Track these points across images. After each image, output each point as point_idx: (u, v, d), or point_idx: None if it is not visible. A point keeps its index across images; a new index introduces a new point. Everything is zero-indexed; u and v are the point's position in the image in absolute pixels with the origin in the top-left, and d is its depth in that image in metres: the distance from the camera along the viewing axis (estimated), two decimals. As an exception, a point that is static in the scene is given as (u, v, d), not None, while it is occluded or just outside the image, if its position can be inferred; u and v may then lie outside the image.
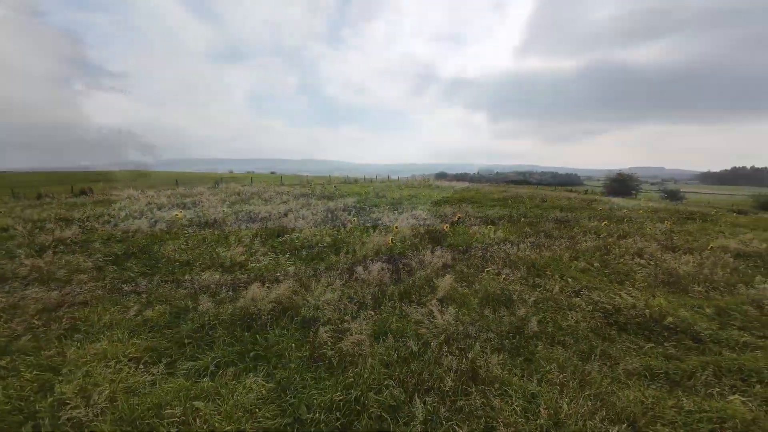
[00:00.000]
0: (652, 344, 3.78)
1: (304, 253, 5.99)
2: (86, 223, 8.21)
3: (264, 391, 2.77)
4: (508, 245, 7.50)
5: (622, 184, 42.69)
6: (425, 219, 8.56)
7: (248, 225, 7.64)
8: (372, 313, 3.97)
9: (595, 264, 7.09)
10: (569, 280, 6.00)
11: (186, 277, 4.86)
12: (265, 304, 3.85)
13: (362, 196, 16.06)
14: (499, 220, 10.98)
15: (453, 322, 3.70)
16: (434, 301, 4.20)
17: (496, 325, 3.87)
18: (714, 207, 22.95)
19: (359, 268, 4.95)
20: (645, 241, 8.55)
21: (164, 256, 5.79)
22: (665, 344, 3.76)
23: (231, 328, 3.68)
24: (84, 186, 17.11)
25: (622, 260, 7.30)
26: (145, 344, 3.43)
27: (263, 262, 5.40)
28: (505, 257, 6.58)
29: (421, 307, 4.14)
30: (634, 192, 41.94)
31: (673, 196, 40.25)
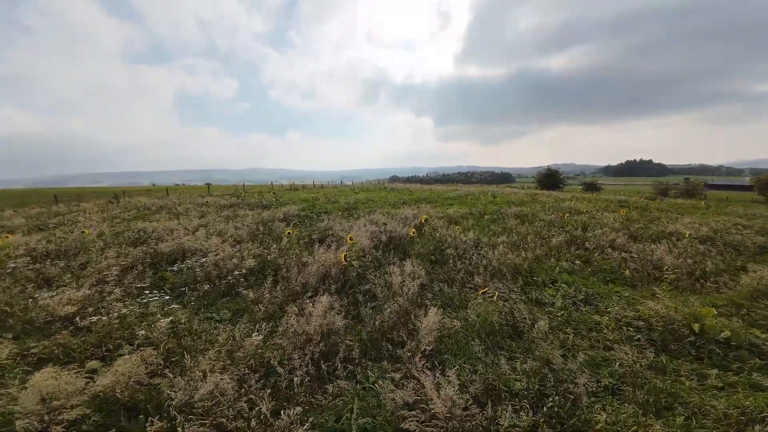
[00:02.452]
0: (717, 369, 2.74)
1: (206, 287, 3.92)
2: None
3: None
4: (484, 247, 6.37)
5: (551, 178, 46.57)
6: (386, 224, 7.02)
7: (128, 249, 5.16)
8: (303, 408, 2.20)
9: (577, 262, 6.33)
10: (564, 286, 5.00)
11: None
12: (67, 409, 1.85)
13: (309, 203, 13.97)
14: (462, 219, 10.01)
15: (459, 398, 2.16)
16: (419, 359, 2.62)
17: (521, 387, 2.45)
18: (629, 195, 25.81)
19: (293, 309, 3.15)
20: (611, 232, 8.20)
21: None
22: (730, 368, 2.76)
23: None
24: None
25: (599, 255, 6.67)
26: None
27: (121, 311, 3.18)
28: (486, 264, 5.36)
29: (401, 373, 2.53)
30: (561, 185, 46.13)
31: (592, 187, 45.22)
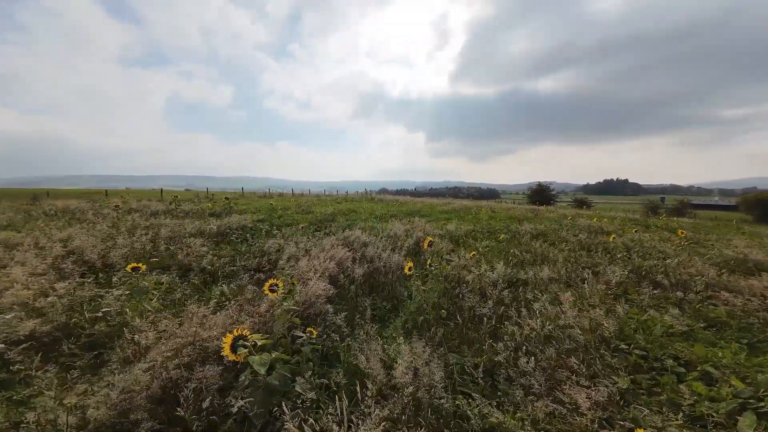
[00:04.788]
0: None
1: None
2: None
3: None
4: (532, 293, 3.86)
5: (542, 194, 45.70)
6: (366, 245, 4.42)
7: None
8: None
9: (672, 310, 3.93)
10: (713, 372, 2.54)
11: None
12: None
13: (273, 212, 11.20)
14: (469, 238, 7.56)
15: None
16: None
17: None
18: (624, 212, 24.34)
19: None
20: (690, 262, 5.89)
21: None
22: None
23: None
24: None
25: (699, 299, 4.31)
26: None
27: None
28: (549, 332, 2.84)
29: None
30: (552, 201, 45.16)
31: (582, 204, 44.35)
